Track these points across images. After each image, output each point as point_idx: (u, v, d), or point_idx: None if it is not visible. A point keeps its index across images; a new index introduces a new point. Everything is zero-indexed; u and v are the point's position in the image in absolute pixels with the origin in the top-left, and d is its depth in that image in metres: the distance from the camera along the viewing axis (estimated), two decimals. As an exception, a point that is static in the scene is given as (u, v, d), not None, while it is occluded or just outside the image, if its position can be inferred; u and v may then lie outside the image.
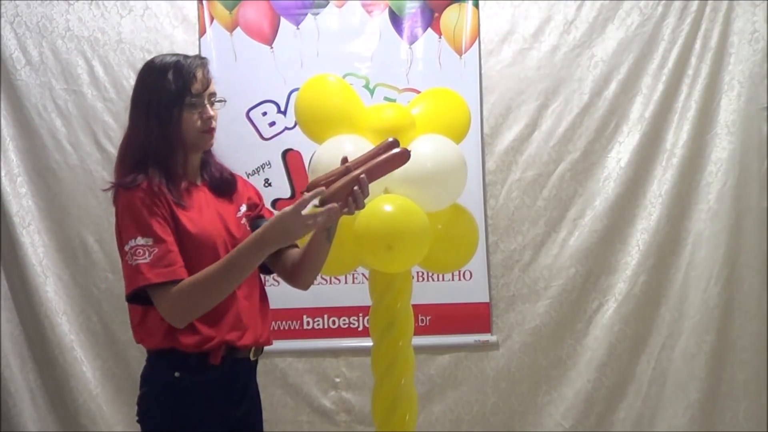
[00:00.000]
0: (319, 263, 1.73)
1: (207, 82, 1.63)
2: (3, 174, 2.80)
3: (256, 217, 1.77)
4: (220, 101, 1.67)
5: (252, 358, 1.69)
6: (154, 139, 1.58)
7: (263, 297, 1.74)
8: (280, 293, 2.22)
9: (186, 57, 1.64)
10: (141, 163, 1.58)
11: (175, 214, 1.57)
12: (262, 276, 1.79)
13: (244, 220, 1.71)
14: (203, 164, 1.71)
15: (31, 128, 2.86)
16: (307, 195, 1.48)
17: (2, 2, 2.85)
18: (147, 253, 1.50)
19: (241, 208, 1.73)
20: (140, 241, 1.51)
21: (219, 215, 1.66)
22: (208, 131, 1.64)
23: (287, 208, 1.47)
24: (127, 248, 1.53)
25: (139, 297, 1.55)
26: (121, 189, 1.57)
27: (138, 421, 1.69)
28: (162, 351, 1.61)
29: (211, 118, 1.63)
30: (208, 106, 1.63)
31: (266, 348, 1.75)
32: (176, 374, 1.60)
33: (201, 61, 1.65)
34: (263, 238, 1.49)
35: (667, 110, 2.92)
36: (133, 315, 1.64)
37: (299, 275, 1.77)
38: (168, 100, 1.58)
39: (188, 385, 1.60)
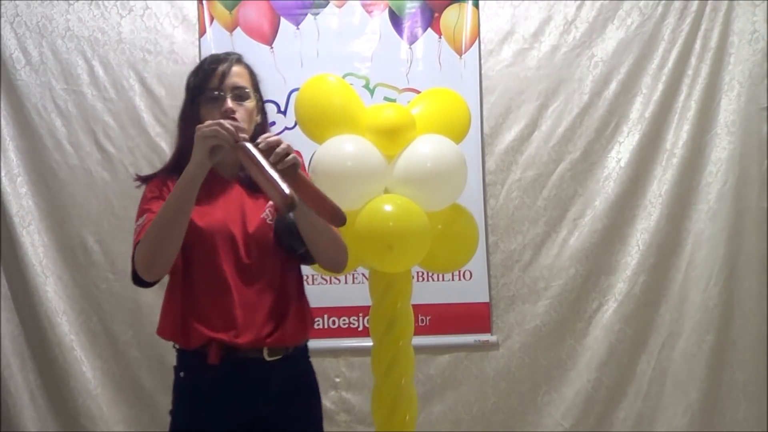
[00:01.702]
0: (309, 230, 1.60)
1: (223, 76, 1.62)
2: (3, 174, 2.80)
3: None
4: (244, 94, 1.64)
5: (267, 358, 1.61)
6: (181, 139, 1.66)
7: (284, 294, 1.66)
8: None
9: (215, 55, 1.69)
10: (173, 163, 1.68)
11: None
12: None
13: (265, 213, 1.66)
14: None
15: (31, 128, 2.85)
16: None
17: (2, 2, 2.85)
18: (142, 228, 1.57)
19: (269, 203, 1.68)
20: (140, 221, 1.59)
21: (241, 211, 1.64)
22: None
23: None
24: (134, 235, 1.59)
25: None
26: (144, 184, 1.69)
27: None
28: (176, 349, 1.65)
29: (228, 110, 1.61)
30: (228, 99, 1.61)
31: None
32: (181, 374, 1.63)
33: (226, 56, 1.67)
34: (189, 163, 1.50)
35: (667, 110, 2.92)
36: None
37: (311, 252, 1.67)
38: (190, 98, 1.66)
39: (191, 385, 1.61)
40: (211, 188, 1.63)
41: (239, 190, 1.67)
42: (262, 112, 1.74)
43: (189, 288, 1.60)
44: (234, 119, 1.58)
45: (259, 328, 1.60)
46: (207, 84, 1.62)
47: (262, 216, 1.65)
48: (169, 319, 1.62)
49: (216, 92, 1.62)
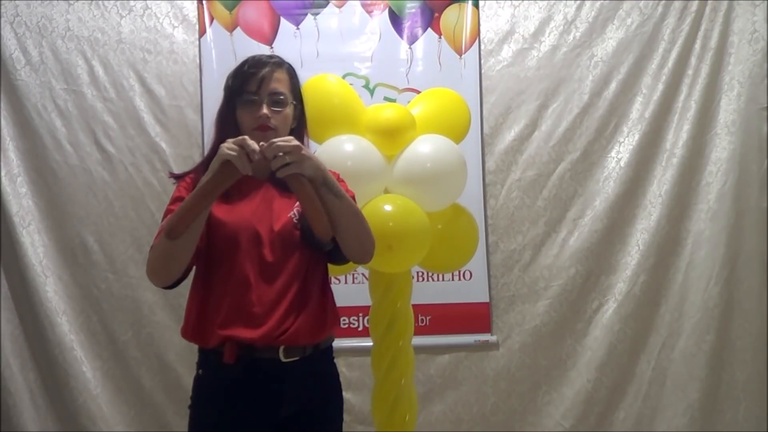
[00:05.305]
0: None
1: (262, 80, 1.61)
2: (3, 174, 2.80)
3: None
4: (280, 100, 1.62)
5: (283, 359, 1.59)
6: (215, 139, 1.63)
7: (305, 294, 1.63)
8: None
9: (257, 57, 1.66)
10: (206, 161, 1.63)
11: None
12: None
13: (293, 213, 1.64)
14: None
15: (31, 128, 2.86)
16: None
17: (2, 2, 2.85)
18: (161, 230, 1.54)
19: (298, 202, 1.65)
20: (164, 222, 1.56)
21: (269, 210, 1.63)
22: (260, 129, 1.59)
23: None
24: (155, 235, 1.58)
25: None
26: (177, 181, 1.67)
27: None
28: (198, 346, 1.64)
29: (263, 116, 1.60)
30: (264, 104, 1.60)
31: None
32: (200, 371, 1.63)
33: (268, 60, 1.65)
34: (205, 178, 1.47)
35: (667, 110, 2.92)
36: None
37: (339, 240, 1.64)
38: (227, 99, 1.65)
39: (209, 383, 1.61)
40: (242, 187, 1.61)
41: (270, 190, 1.66)
42: (300, 118, 1.71)
43: (210, 286, 1.60)
44: (268, 127, 1.59)
45: (274, 324, 1.58)
46: (245, 87, 1.61)
47: (289, 215, 1.64)
48: (191, 318, 1.61)
49: (253, 96, 1.61)
